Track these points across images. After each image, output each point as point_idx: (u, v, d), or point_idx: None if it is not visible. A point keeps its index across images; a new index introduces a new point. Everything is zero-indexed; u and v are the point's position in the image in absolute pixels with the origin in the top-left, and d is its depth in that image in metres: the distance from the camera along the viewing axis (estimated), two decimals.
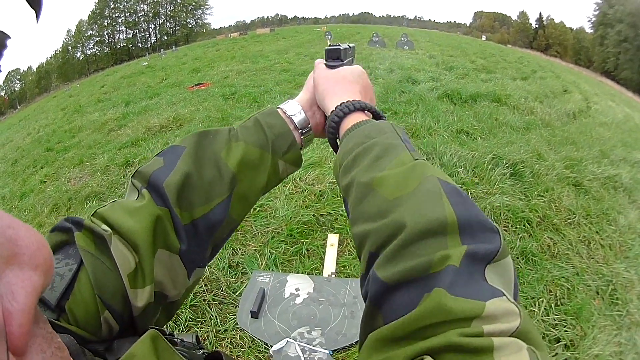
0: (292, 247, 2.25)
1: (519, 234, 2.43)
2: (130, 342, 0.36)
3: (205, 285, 2.13)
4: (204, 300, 2.06)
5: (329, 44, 0.66)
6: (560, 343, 1.82)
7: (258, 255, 2.22)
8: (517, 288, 0.36)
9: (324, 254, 2.23)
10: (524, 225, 2.50)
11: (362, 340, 0.38)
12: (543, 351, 0.30)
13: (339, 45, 0.65)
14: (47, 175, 4.67)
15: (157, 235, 0.46)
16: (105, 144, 4.88)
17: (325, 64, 0.64)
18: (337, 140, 0.57)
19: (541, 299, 2.00)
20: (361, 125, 0.52)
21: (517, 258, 2.26)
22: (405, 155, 0.44)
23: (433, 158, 3.19)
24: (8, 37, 0.28)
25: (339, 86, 0.60)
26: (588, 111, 6.23)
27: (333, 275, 2.12)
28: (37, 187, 4.42)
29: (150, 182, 0.49)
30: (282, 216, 2.42)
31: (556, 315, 1.93)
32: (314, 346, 1.77)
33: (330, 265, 2.17)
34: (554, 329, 1.88)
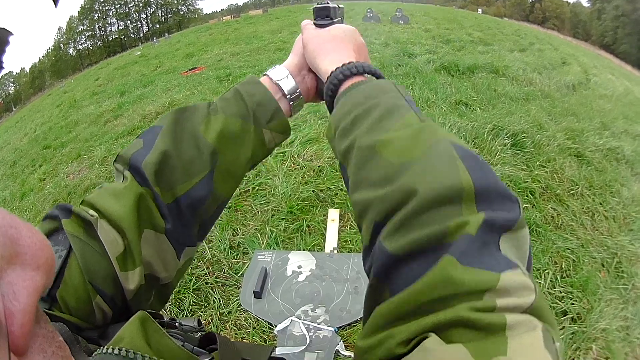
0: (292, 224, 2.20)
1: (522, 205, 2.38)
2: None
3: (207, 268, 2.10)
4: (206, 283, 2.03)
5: (317, 3, 0.61)
6: (567, 316, 1.80)
7: (259, 235, 2.17)
8: (531, 262, 0.34)
9: (325, 229, 2.18)
10: (527, 196, 2.46)
11: (367, 316, 0.35)
12: (555, 330, 0.28)
13: (328, 2, 0.60)
14: (46, 172, 4.65)
15: (142, 215, 0.46)
16: (102, 136, 4.84)
17: (314, 23, 0.60)
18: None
19: (547, 271, 1.96)
20: (360, 85, 0.48)
21: None
22: (411, 117, 0.41)
23: None
24: (10, 33, 0.29)
25: (330, 45, 0.55)
26: (588, 83, 6.08)
27: (335, 251, 2.08)
28: (36, 185, 4.41)
29: (131, 164, 0.48)
30: (281, 194, 2.37)
31: (562, 287, 1.90)
32: (318, 324, 1.75)
33: (332, 240, 2.13)
34: (560, 301, 1.85)
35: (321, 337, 1.70)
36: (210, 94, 4.57)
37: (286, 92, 0.58)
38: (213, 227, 2.18)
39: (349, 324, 1.73)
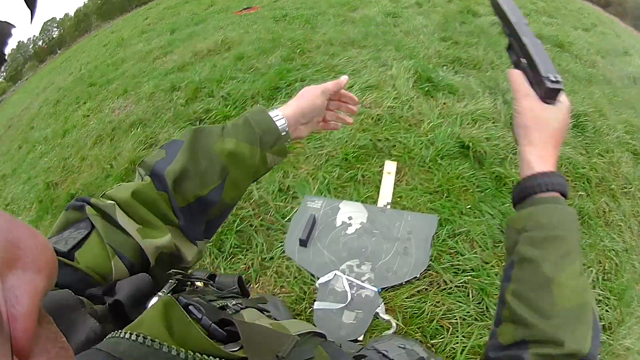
0: (346, 172, 2.04)
1: (577, 191, 2.21)
2: (130, 284, 0.43)
3: (253, 209, 1.98)
4: (250, 225, 1.92)
5: (552, 79, 0.57)
6: (600, 323, 1.57)
7: (310, 180, 2.03)
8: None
9: (380, 182, 2.01)
10: (583, 184, 2.28)
11: None
12: None
13: (560, 82, 0.57)
14: (90, 109, 4.60)
15: (156, 212, 0.55)
16: (151, 72, 4.73)
17: (549, 87, 0.57)
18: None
19: (591, 268, 1.85)
20: (559, 205, 0.54)
21: None
22: (579, 265, 0.51)
23: (496, 93, 2.89)
24: (13, 26, 0.30)
25: (544, 134, 0.58)
26: None
27: (388, 206, 1.91)
28: (79, 122, 4.38)
29: (153, 171, 0.58)
30: (337, 139, 2.20)
31: (602, 290, 1.80)
32: (362, 281, 1.63)
33: (386, 194, 1.96)
34: (597, 304, 1.66)
35: (363, 296, 1.59)
36: (266, 33, 4.33)
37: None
38: None
39: (392, 286, 1.61)
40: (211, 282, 0.60)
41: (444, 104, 2.61)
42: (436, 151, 2.14)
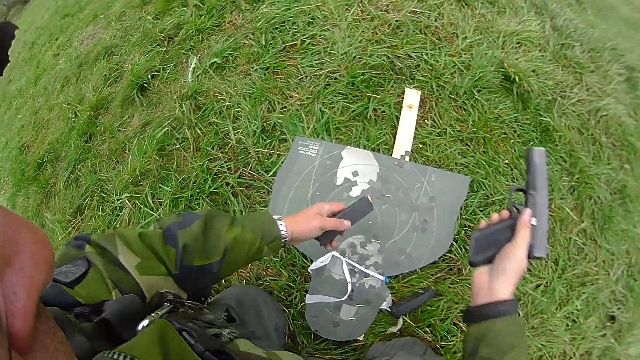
0: (353, 104, 1.47)
1: (623, 163, 1.79)
2: (118, 303, 0.44)
3: (229, 160, 1.49)
4: (226, 184, 1.45)
5: (543, 251, 0.71)
6: (613, 324, 1.51)
7: (303, 114, 1.48)
8: None
9: (398, 120, 1.46)
10: (629, 154, 1.84)
11: None
12: None
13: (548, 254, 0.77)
14: (60, 45, 4.05)
15: (156, 257, 0.63)
16: None
17: (533, 255, 0.71)
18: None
19: (619, 261, 1.58)
20: (514, 320, 0.66)
21: (615, 194, 1.69)
22: (525, 358, 0.64)
23: (543, 15, 2.29)
24: (16, 27, 0.32)
25: (517, 279, 0.70)
26: None
27: (407, 157, 1.38)
28: (50, 63, 3.87)
29: (168, 228, 0.67)
30: (342, 54, 1.59)
31: (622, 288, 1.57)
32: (367, 267, 1.23)
33: (405, 138, 1.42)
34: (616, 302, 1.54)
35: (366, 286, 1.22)
36: None
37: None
38: (242, 99, 1.52)
39: (403, 274, 1.26)
40: (204, 306, 0.63)
41: (482, 15, 1.97)
42: (473, 80, 1.56)
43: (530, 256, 0.70)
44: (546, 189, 0.73)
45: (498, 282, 0.69)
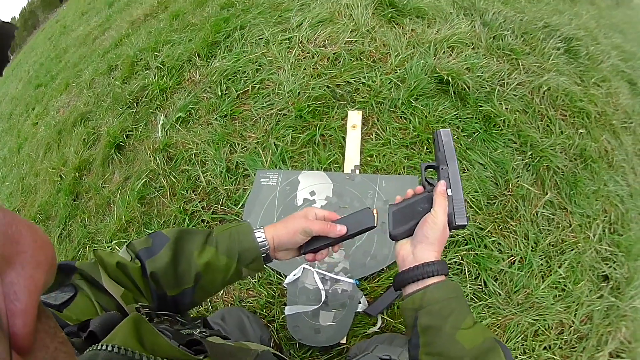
0: (302, 133, 1.67)
1: (577, 128, 1.93)
2: (102, 319, 0.44)
3: (202, 200, 1.66)
4: (202, 221, 1.61)
5: (463, 220, 0.72)
6: (607, 283, 1.55)
7: (261, 150, 1.67)
8: None
9: (344, 140, 1.65)
10: (582, 119, 1.98)
11: None
12: None
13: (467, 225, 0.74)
14: (38, 114, 4.24)
15: (137, 289, 0.65)
16: (90, 55, 4.27)
17: (456, 225, 0.73)
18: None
19: (597, 221, 1.66)
20: (445, 284, 0.66)
21: (575, 159, 1.80)
22: (470, 319, 0.62)
23: (472, 14, 2.48)
24: (16, 28, 0.34)
25: (440, 245, 0.71)
26: (630, 3, 5.85)
27: (357, 171, 1.57)
28: (30, 132, 4.05)
29: (138, 257, 0.67)
30: (288, 92, 1.80)
31: (608, 245, 1.63)
32: (336, 273, 1.33)
33: (352, 155, 1.61)
34: (604, 262, 1.58)
35: (339, 291, 1.32)
36: None
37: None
38: (207, 146, 1.71)
39: (372, 274, 1.37)
40: (177, 315, 0.61)
41: (412, 30, 2.19)
42: (409, 91, 1.76)
43: (452, 226, 0.72)
44: (456, 163, 0.75)
45: (422, 248, 0.69)
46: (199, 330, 0.58)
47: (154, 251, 0.67)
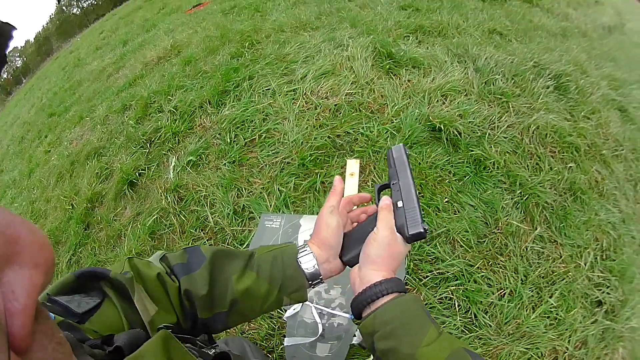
0: (304, 180, 1.83)
1: (566, 163, 2.05)
2: (128, 335, 0.44)
3: (210, 238, 1.79)
4: None
5: (419, 228, 0.65)
6: (601, 307, 1.61)
7: (266, 195, 1.82)
8: None
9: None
10: (572, 153, 2.11)
11: None
12: None
13: (427, 229, 0.66)
14: (51, 143, 4.43)
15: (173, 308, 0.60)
16: (104, 92, 4.51)
17: (410, 235, 0.65)
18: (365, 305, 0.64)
19: (588, 250, 1.73)
20: (396, 300, 0.61)
21: (565, 193, 1.91)
22: (433, 331, 0.57)
23: (466, 61, 2.66)
24: (14, 28, 0.31)
25: (392, 264, 0.66)
26: (622, 28, 5.76)
27: None
28: (42, 159, 4.22)
29: (173, 270, 0.63)
30: (292, 142, 1.97)
31: (601, 272, 1.70)
32: (332, 309, 1.44)
33: None
34: (596, 288, 1.64)
35: (335, 325, 1.41)
36: (214, 29, 4.06)
37: (309, 278, 0.67)
38: (216, 189, 1.85)
39: None
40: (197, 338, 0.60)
41: (409, 81, 2.38)
42: (404, 140, 1.92)
43: (406, 237, 0.65)
44: (408, 174, 0.70)
45: (366, 270, 0.65)
46: (213, 351, 0.57)
47: (191, 268, 0.62)
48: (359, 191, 1.78)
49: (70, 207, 2.77)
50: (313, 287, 0.70)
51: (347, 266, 0.72)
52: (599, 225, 1.85)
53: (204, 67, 3.02)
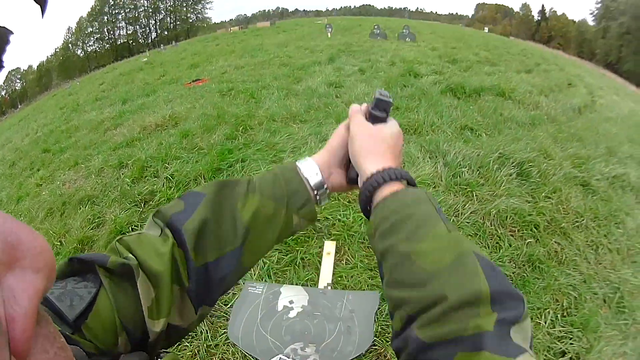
0: (286, 255, 2.13)
1: (525, 240, 2.31)
2: (136, 357, 0.41)
3: None
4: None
5: (377, 93, 0.64)
6: (565, 357, 1.74)
7: None
8: (532, 341, 0.41)
9: (320, 263, 2.11)
10: (531, 230, 2.37)
11: None
12: None
13: (391, 98, 0.64)
14: (43, 177, 4.59)
15: (174, 273, 0.50)
16: (101, 145, 4.77)
17: (371, 111, 0.63)
18: (370, 204, 0.58)
19: (547, 310, 1.89)
20: (398, 193, 0.54)
21: (524, 265, 2.14)
22: (441, 228, 0.48)
23: (436, 157, 3.04)
24: (11, 32, 0.29)
25: (377, 148, 0.60)
26: (593, 105, 6.03)
27: (329, 287, 2.00)
28: (32, 190, 4.35)
29: (170, 224, 0.53)
30: None
31: (562, 327, 1.83)
32: None
33: (326, 275, 2.06)
34: (559, 341, 1.78)
35: None
36: (211, 108, 4.51)
37: (313, 187, 0.63)
38: None
39: None
40: None
41: None
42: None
43: (373, 106, 0.63)
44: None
45: (361, 165, 0.59)
46: None
47: (189, 213, 0.53)
48: (334, 269, 2.11)
49: (59, 243, 2.88)
50: (320, 202, 0.65)
51: (351, 184, 0.67)
52: (558, 289, 2.01)
53: (200, 142, 3.36)
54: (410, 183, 0.58)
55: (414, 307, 0.44)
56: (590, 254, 2.38)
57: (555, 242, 2.35)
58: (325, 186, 0.63)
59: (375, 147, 0.60)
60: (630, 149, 4.24)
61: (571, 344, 1.76)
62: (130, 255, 0.47)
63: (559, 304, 1.94)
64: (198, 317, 0.55)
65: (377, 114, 0.63)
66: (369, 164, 0.58)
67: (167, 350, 0.54)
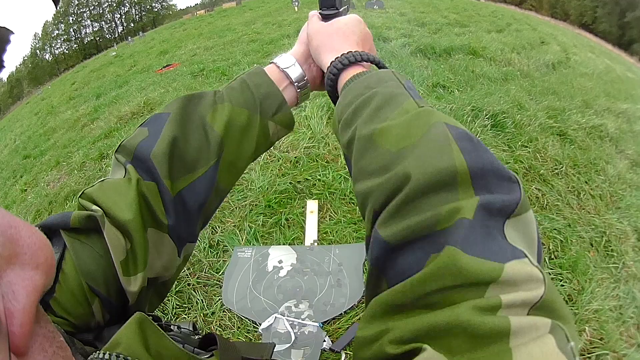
0: (271, 218, 2.18)
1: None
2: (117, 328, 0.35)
3: (188, 269, 2.08)
4: (188, 284, 2.01)
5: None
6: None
7: (238, 231, 2.15)
8: (541, 249, 0.32)
9: (304, 222, 2.16)
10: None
11: (367, 306, 0.34)
12: (570, 323, 0.25)
13: None
14: (27, 183, 4.59)
15: (145, 214, 0.44)
16: (80, 141, 4.77)
17: (319, 13, 0.60)
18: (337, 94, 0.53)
19: None
20: (361, 76, 0.49)
21: None
22: (409, 104, 0.40)
23: None
24: (11, 32, 0.28)
25: (334, 39, 0.56)
26: (568, 62, 5.94)
27: (315, 244, 2.06)
28: (18, 197, 4.36)
29: (136, 155, 0.46)
30: (258, 188, 2.34)
31: (551, 269, 1.86)
32: (302, 320, 1.73)
33: (311, 233, 2.11)
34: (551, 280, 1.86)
35: (306, 333, 1.69)
36: (185, 90, 4.51)
37: (293, 80, 0.59)
38: None
39: (333, 318, 1.72)
40: (172, 326, 0.49)
41: None
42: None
43: (323, 15, 0.60)
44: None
45: (321, 65, 0.57)
46: (197, 337, 0.46)
47: (155, 138, 0.47)
48: (319, 227, 2.16)
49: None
50: (303, 94, 0.62)
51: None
52: (543, 232, 2.02)
53: None
54: (380, 66, 0.53)
55: (377, 197, 0.35)
56: (572, 199, 2.40)
57: (536, 188, 2.40)
58: (305, 78, 0.60)
59: (329, 39, 0.56)
60: (607, 102, 4.27)
61: (562, 285, 1.80)
62: (95, 206, 0.41)
63: (545, 247, 1.95)
64: (183, 259, 0.50)
65: (326, 12, 0.60)
66: (328, 57, 0.54)
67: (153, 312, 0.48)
